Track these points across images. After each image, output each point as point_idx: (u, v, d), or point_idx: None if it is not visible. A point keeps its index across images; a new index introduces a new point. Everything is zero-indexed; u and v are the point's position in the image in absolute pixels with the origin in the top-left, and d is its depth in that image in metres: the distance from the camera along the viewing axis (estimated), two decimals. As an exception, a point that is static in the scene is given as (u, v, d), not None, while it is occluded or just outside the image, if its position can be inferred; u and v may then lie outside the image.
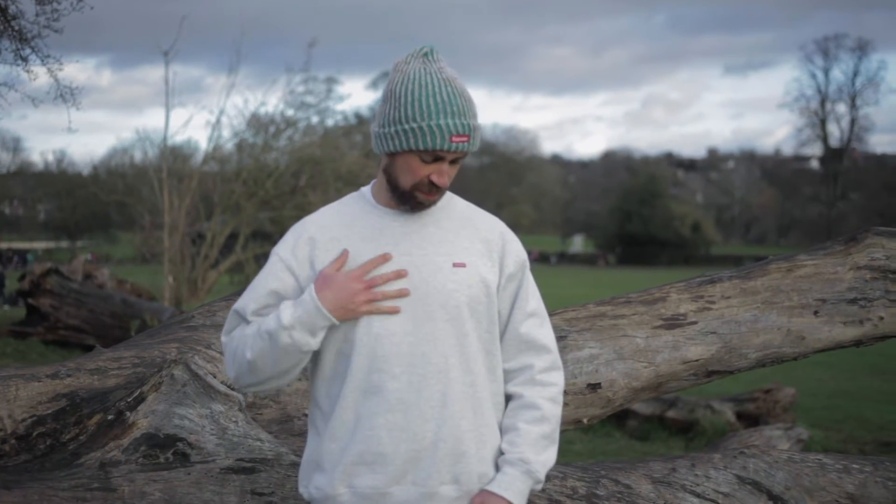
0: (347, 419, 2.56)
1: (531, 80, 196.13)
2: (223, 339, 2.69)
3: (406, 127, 2.50)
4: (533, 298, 2.72)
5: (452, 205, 2.71)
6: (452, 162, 2.56)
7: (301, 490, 2.67)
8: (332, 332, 2.58)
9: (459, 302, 2.56)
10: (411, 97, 2.50)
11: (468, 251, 2.63)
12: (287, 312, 2.52)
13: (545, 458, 2.62)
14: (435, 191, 2.56)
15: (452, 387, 2.55)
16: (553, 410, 2.65)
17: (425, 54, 2.57)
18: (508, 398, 2.68)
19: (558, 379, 2.70)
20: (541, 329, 2.71)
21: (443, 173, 2.54)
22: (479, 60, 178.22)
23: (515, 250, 2.71)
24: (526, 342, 2.68)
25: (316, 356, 2.64)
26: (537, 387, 2.65)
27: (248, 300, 2.64)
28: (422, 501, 2.55)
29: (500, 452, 2.63)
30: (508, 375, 2.68)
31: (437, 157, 2.52)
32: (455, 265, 2.59)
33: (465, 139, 2.50)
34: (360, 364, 2.54)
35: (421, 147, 2.49)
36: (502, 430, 2.65)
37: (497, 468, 2.62)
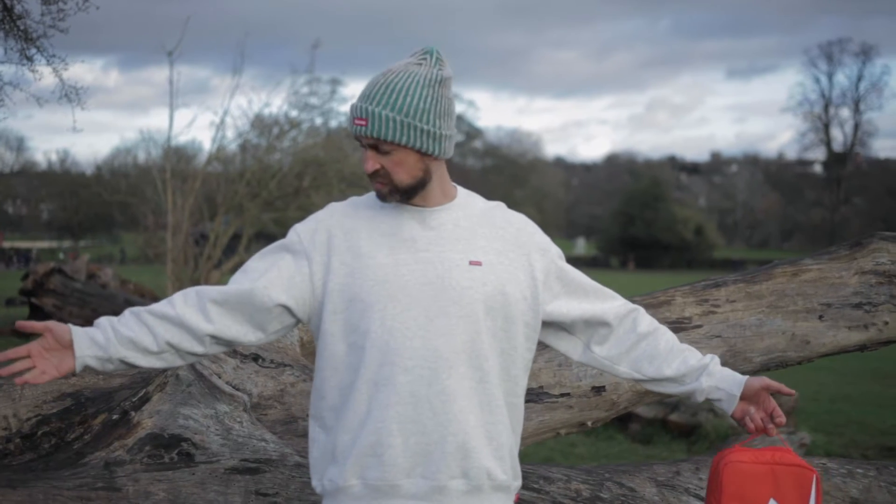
0: (360, 411, 2.58)
1: (536, 83, 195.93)
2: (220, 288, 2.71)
3: None
4: (580, 276, 2.83)
5: (472, 203, 2.74)
6: (381, 150, 2.58)
7: (314, 483, 2.69)
8: (345, 323, 2.60)
9: (474, 299, 2.58)
10: None
11: (485, 250, 2.65)
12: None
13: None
14: (375, 179, 2.61)
15: (462, 383, 2.57)
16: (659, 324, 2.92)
17: (415, 54, 2.63)
18: (646, 337, 2.86)
19: (642, 310, 2.92)
20: (601, 293, 2.86)
21: (366, 159, 2.59)
22: (484, 63, 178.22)
23: (537, 242, 2.76)
24: (594, 315, 2.82)
25: (325, 349, 2.65)
26: (631, 314, 2.86)
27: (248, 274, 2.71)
28: (431, 495, 2.57)
29: (690, 368, 2.85)
30: (601, 330, 2.85)
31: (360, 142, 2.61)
32: (471, 263, 2.61)
33: (361, 122, 2.55)
34: (373, 356, 2.56)
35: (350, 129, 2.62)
36: (661, 357, 2.85)
37: (686, 381, 2.86)
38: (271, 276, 2.65)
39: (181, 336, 2.65)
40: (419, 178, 2.61)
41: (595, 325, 2.83)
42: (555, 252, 2.79)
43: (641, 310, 2.89)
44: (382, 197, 2.63)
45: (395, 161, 2.58)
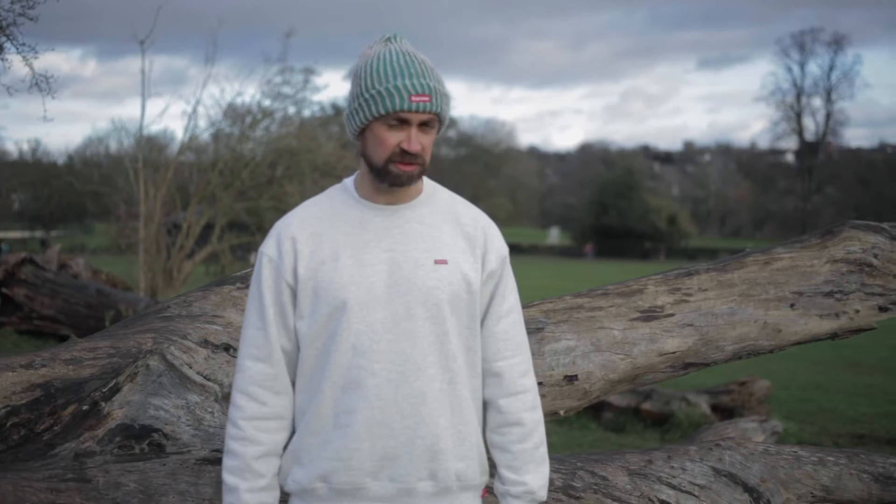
0: (325, 414, 2.56)
1: (512, 73, 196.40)
2: (246, 364, 2.66)
3: (367, 96, 2.51)
4: (511, 295, 2.73)
5: (436, 198, 2.69)
6: (423, 128, 2.53)
7: (279, 482, 2.67)
8: (313, 327, 2.57)
9: (440, 299, 2.56)
10: (370, 69, 2.52)
11: (450, 248, 2.62)
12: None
13: (543, 474, 2.68)
14: (409, 159, 2.53)
15: (431, 384, 2.55)
16: (535, 418, 2.69)
17: (387, 39, 2.59)
18: (486, 401, 2.70)
19: (533, 383, 2.72)
20: (516, 327, 2.72)
21: (412, 139, 2.51)
22: (460, 53, 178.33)
23: (497, 247, 2.71)
24: (503, 341, 2.69)
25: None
26: (518, 396, 2.68)
27: (253, 336, 2.66)
28: (398, 497, 2.56)
29: (501, 480, 2.68)
30: (486, 378, 2.69)
31: (402, 121, 2.50)
32: (437, 262, 2.58)
33: (425, 98, 2.49)
34: (339, 360, 2.53)
35: (382, 111, 2.49)
36: (492, 445, 2.70)
37: (497, 493, 2.69)
38: (274, 331, 2.63)
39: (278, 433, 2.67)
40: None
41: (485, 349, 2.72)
42: (507, 263, 2.75)
43: (525, 391, 2.71)
44: (404, 182, 2.56)
45: (430, 140, 2.57)
